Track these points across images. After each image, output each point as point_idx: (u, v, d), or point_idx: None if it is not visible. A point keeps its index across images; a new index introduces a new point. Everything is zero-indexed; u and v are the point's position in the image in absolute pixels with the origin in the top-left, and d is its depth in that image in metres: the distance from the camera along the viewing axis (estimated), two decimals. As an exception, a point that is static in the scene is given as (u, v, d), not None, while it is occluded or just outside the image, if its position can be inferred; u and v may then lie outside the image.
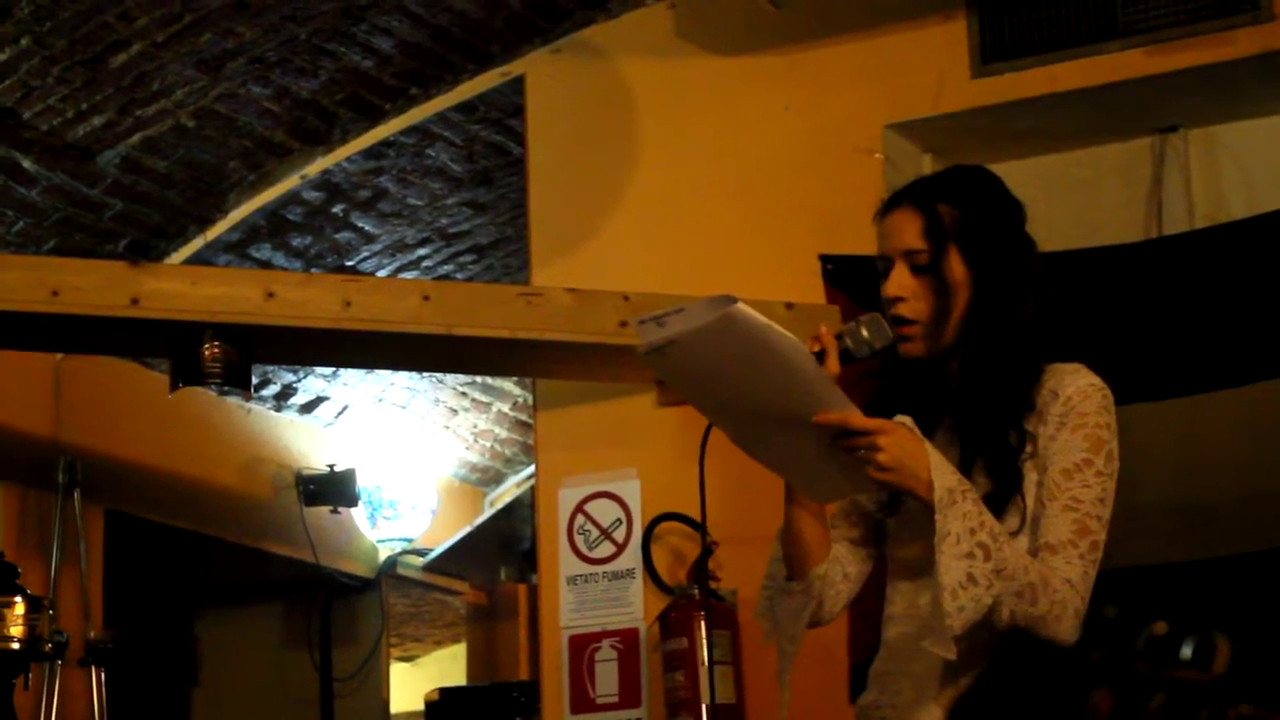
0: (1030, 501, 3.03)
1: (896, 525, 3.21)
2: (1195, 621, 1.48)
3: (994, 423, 3.06)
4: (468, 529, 9.08)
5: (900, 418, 2.98)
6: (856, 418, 2.94)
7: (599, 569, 5.53)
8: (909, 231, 3.13)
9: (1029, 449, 3.05)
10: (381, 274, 7.35)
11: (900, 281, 3.13)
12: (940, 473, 2.91)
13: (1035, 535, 3.01)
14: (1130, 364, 4.70)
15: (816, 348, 3.04)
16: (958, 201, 3.14)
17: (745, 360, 2.90)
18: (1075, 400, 3.04)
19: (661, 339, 2.91)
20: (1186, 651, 1.46)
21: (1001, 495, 3.02)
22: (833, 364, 3.04)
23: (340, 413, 8.25)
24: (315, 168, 6.59)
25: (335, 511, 8.24)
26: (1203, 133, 5.39)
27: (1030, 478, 3.04)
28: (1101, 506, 3.01)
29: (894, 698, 3.15)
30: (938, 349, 3.12)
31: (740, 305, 2.82)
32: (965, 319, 3.10)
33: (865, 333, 3.10)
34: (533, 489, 6.31)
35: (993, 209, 3.17)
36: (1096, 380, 3.08)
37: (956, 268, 3.10)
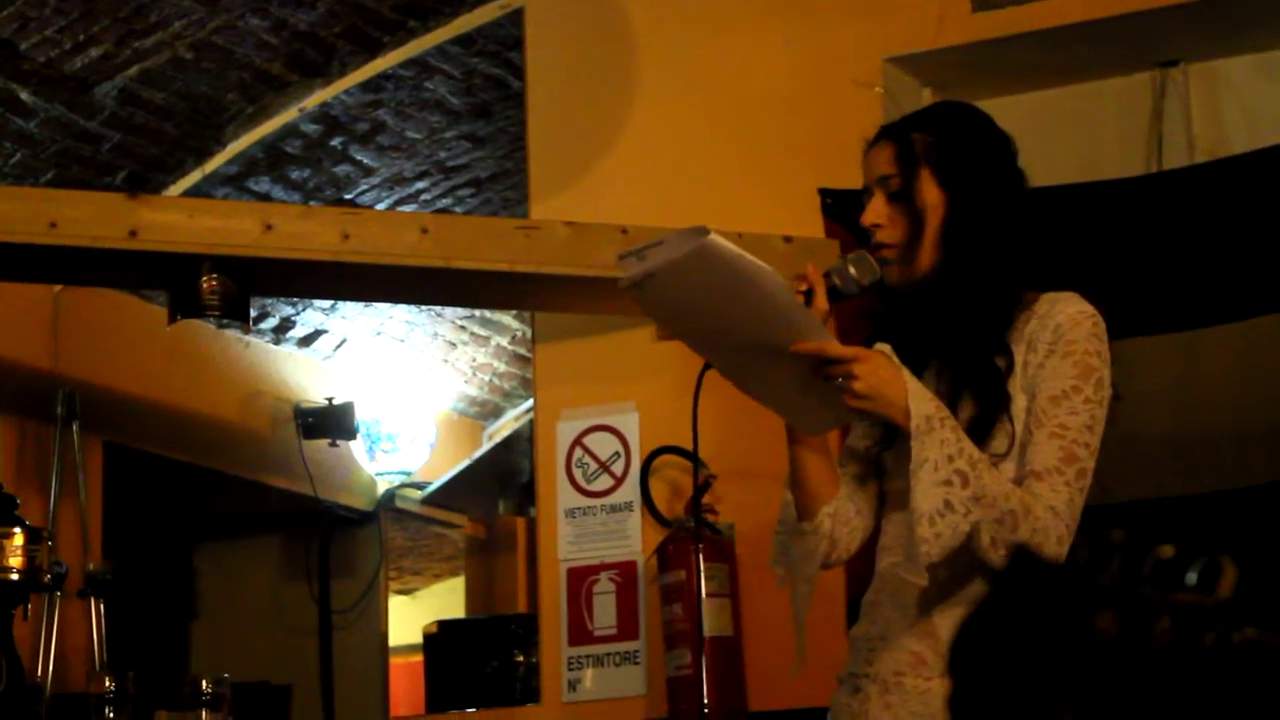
0: (1018, 426, 3.03)
1: (889, 458, 3.22)
2: (1199, 548, 1.49)
3: (975, 343, 3.07)
4: (466, 462, 9.10)
5: (879, 346, 2.98)
6: (833, 346, 2.95)
7: (597, 502, 5.55)
8: (882, 160, 3.16)
9: (1012, 371, 3.06)
10: (380, 207, 7.34)
11: (876, 209, 3.15)
12: (918, 400, 2.92)
13: (1022, 463, 3.02)
14: (1129, 299, 4.71)
15: (804, 286, 3.05)
16: (931, 129, 3.17)
17: (723, 291, 2.91)
18: (1065, 328, 3.05)
19: (641, 273, 2.91)
20: (1192, 577, 1.46)
21: (987, 417, 3.03)
22: (820, 301, 3.05)
23: (339, 346, 8.25)
24: (313, 100, 6.58)
25: (334, 444, 8.25)
26: (1203, 67, 5.38)
27: (1018, 402, 3.04)
28: (1089, 434, 3.01)
29: (883, 628, 3.17)
30: (915, 273, 3.12)
31: (713, 236, 2.83)
32: (941, 240, 3.10)
33: (852, 270, 3.11)
34: (531, 422, 6.32)
35: (968, 135, 3.18)
36: (1087, 308, 3.08)
37: (929, 190, 3.11)
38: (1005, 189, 3.16)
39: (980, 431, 3.00)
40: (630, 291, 2.95)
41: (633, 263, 2.92)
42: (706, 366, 3.12)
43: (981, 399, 3.05)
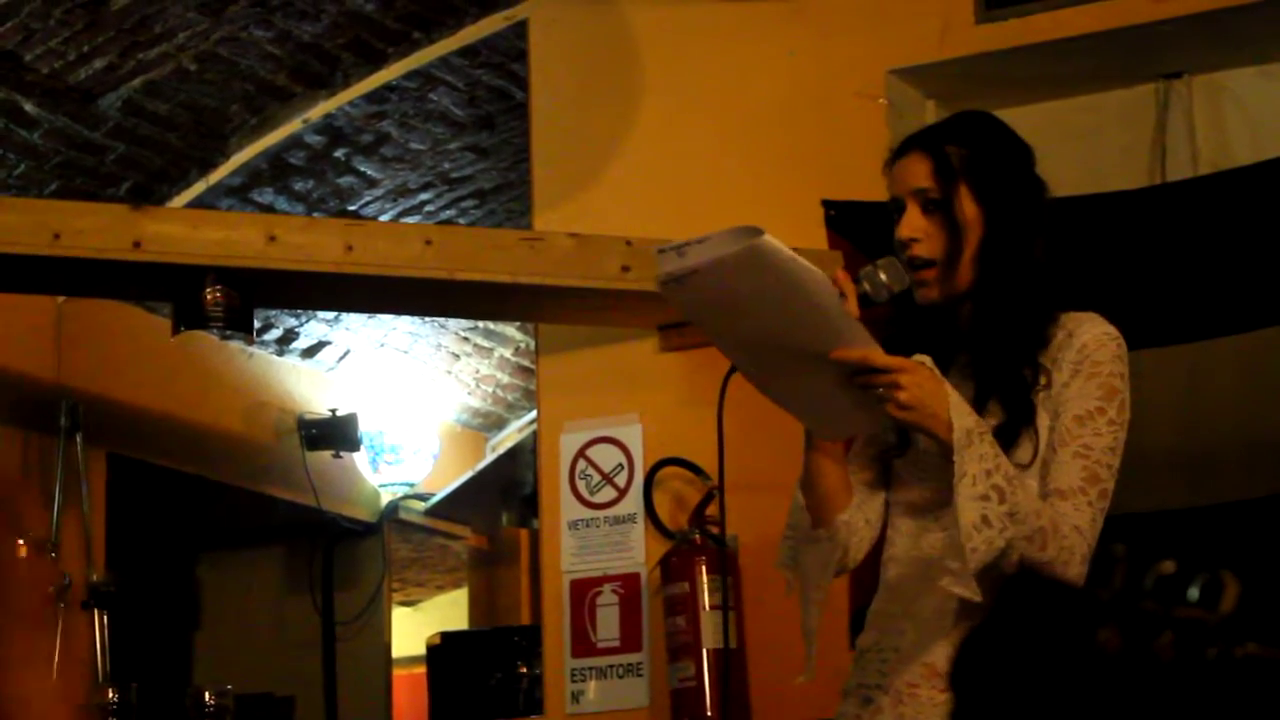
0: (1043, 436, 3.03)
1: (902, 466, 3.22)
2: (1202, 562, 1.49)
3: (1009, 358, 3.07)
4: (469, 474, 9.09)
5: (920, 357, 2.98)
6: (879, 355, 2.93)
7: (600, 514, 5.54)
8: (919, 173, 3.14)
9: (1043, 381, 3.06)
10: (384, 218, 7.34)
11: (913, 223, 3.13)
12: (959, 413, 2.92)
13: (1045, 480, 3.02)
14: (1134, 310, 4.68)
15: (835, 290, 3.04)
16: (965, 142, 3.15)
17: (766, 293, 2.88)
18: (1090, 349, 3.06)
19: (681, 269, 2.89)
20: (1194, 592, 1.46)
21: (1013, 426, 3.03)
22: (851, 308, 3.03)
23: (342, 357, 8.26)
24: (317, 112, 6.58)
25: (337, 456, 8.25)
26: (1207, 79, 5.37)
27: (1042, 418, 3.05)
28: (1112, 455, 3.03)
29: (896, 640, 3.16)
30: (953, 291, 3.12)
31: (767, 237, 2.81)
32: (978, 258, 3.10)
33: (883, 276, 3.10)
34: (534, 434, 6.31)
35: (1001, 148, 3.18)
36: (1112, 329, 3.10)
37: (968, 206, 3.11)
38: (1036, 202, 3.17)
39: (1005, 439, 3.00)
40: (666, 286, 2.92)
41: (672, 258, 2.90)
42: (731, 371, 3.10)
43: (1009, 407, 3.05)
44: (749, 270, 2.85)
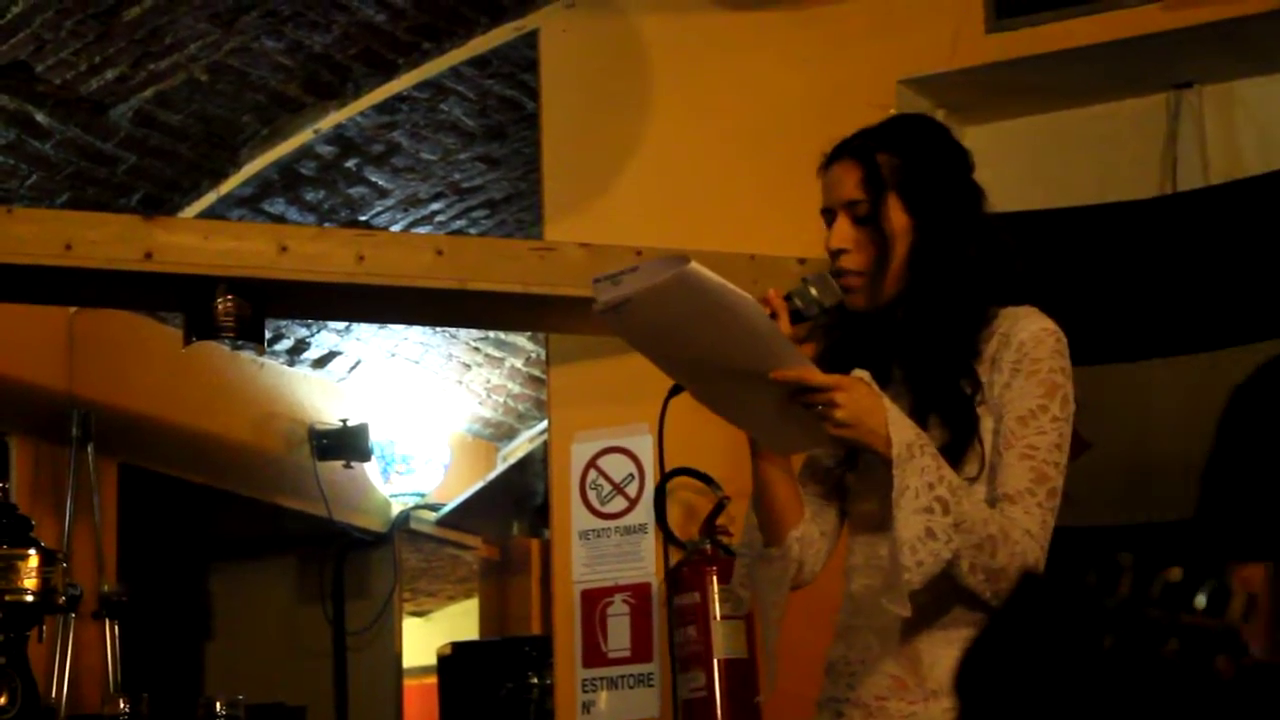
0: (987, 448, 3.02)
1: (854, 479, 3.21)
2: (1209, 570, 1.49)
3: (944, 370, 3.05)
4: (480, 484, 9.10)
5: (858, 372, 2.97)
6: (813, 374, 2.94)
7: (611, 524, 5.54)
8: (848, 183, 3.15)
9: (980, 395, 3.04)
10: (395, 229, 7.34)
11: (842, 233, 3.15)
12: (898, 428, 2.91)
13: (992, 484, 3.01)
14: (1144, 320, 4.70)
15: (767, 311, 3.03)
16: (897, 150, 3.15)
17: (701, 319, 2.90)
18: (1028, 346, 3.04)
19: (617, 298, 2.91)
20: (1201, 599, 1.46)
21: (958, 443, 3.02)
22: (783, 325, 3.04)
23: (353, 367, 8.26)
24: (328, 122, 6.59)
25: (348, 466, 8.26)
26: (1218, 89, 5.37)
27: (985, 424, 3.03)
28: (1059, 453, 3.01)
29: (863, 652, 3.14)
30: (881, 300, 3.12)
31: (694, 265, 2.83)
32: (907, 267, 3.09)
33: (814, 292, 3.11)
34: (545, 444, 6.32)
35: (933, 156, 3.17)
36: (1049, 324, 3.07)
37: (897, 217, 3.10)
38: (969, 211, 3.15)
39: (951, 457, 2.99)
40: (604, 315, 2.96)
41: (607, 287, 2.93)
42: (675, 390, 3.13)
43: (951, 424, 3.03)
44: (681, 297, 2.87)
